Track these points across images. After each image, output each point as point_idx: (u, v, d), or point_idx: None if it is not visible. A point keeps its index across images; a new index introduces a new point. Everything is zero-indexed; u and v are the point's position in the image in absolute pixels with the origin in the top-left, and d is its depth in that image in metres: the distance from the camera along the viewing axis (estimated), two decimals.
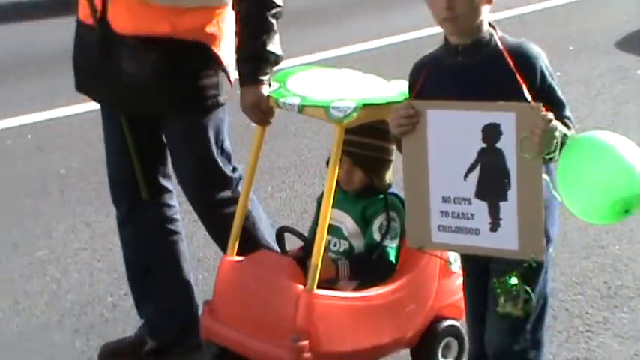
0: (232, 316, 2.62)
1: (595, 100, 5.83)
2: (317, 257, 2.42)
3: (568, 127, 2.03)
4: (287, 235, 2.75)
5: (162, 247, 2.89)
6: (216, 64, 2.69)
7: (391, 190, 2.71)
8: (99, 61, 2.65)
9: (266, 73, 2.59)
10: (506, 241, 2.09)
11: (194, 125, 2.72)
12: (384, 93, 2.57)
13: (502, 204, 2.07)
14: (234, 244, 2.70)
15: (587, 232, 3.89)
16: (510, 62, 2.04)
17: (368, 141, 2.61)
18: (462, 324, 2.79)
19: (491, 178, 2.07)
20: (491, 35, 2.13)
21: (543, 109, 1.96)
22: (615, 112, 5.57)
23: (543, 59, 2.12)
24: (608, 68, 6.53)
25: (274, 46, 2.60)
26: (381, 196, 2.66)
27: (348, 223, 2.66)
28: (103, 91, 2.74)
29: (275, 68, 2.64)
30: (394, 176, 2.71)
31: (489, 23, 2.14)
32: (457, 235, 2.15)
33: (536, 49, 2.13)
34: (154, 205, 2.85)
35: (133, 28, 2.59)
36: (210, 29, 2.65)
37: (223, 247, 2.79)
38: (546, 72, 2.11)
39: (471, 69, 2.13)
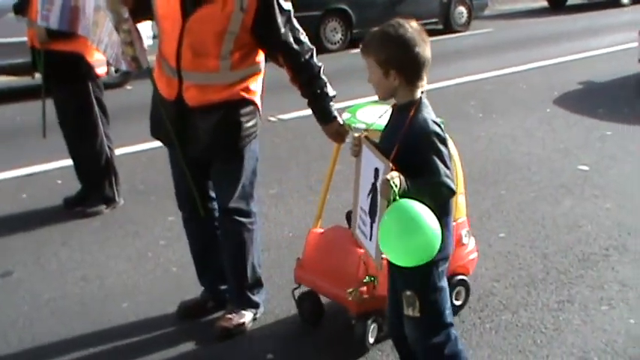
0: (317, 270, 3.60)
1: None
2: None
3: (419, 190, 2.45)
4: None
5: (212, 240, 3.79)
6: (257, 110, 3.55)
7: None
8: (175, 122, 3.48)
9: (333, 111, 3.45)
10: (372, 249, 2.70)
11: (239, 156, 3.51)
12: None
13: (374, 224, 2.66)
14: (318, 220, 3.75)
15: (568, 216, 4.89)
16: (404, 129, 2.56)
17: None
18: (468, 278, 3.73)
19: (374, 204, 2.66)
20: (412, 105, 2.62)
21: (391, 169, 2.47)
22: None
23: (435, 137, 2.54)
24: None
25: (330, 90, 3.47)
26: None
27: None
28: (174, 139, 3.53)
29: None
30: None
31: (422, 95, 2.65)
32: (361, 235, 2.81)
33: (431, 129, 2.55)
34: (205, 212, 3.74)
35: (201, 101, 3.40)
36: (252, 87, 3.49)
37: (233, 258, 3.69)
38: (431, 148, 2.53)
39: (394, 121, 2.72)
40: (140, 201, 5.63)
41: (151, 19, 3.62)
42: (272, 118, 7.22)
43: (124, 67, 3.60)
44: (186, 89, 3.42)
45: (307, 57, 3.45)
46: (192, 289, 4.00)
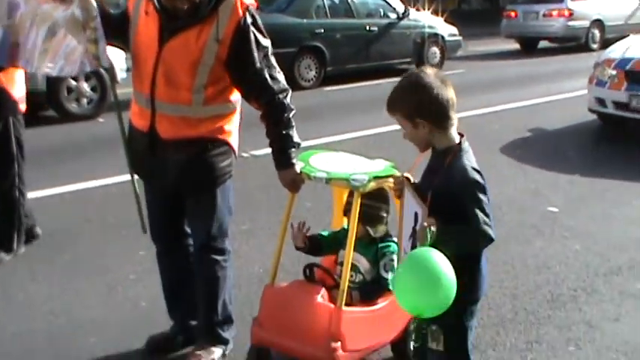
0: (278, 328, 3.42)
1: None
2: (344, 284, 3.25)
3: (452, 237, 2.43)
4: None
5: (185, 275, 3.76)
6: (232, 150, 3.54)
7: (388, 238, 3.51)
8: (147, 155, 3.47)
9: (294, 158, 3.41)
10: None
11: (213, 195, 3.50)
12: (377, 168, 3.39)
13: None
14: (274, 274, 3.54)
15: (538, 257, 4.96)
16: (440, 177, 2.58)
17: (367, 202, 3.37)
18: None
19: (414, 248, 2.55)
20: (450, 151, 2.61)
21: (428, 214, 2.47)
22: None
23: (474, 186, 2.53)
24: None
25: (296, 137, 3.44)
26: (387, 243, 3.47)
27: (363, 262, 3.47)
28: (147, 172, 3.57)
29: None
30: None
31: (460, 140, 2.64)
32: None
33: (470, 178, 2.54)
34: (180, 247, 3.75)
35: (174, 135, 3.37)
36: (227, 128, 3.46)
37: (205, 294, 3.65)
38: (470, 197, 2.50)
39: (432, 165, 2.71)
40: (111, 235, 5.59)
41: (118, 45, 3.61)
42: (244, 154, 7.25)
43: (87, 67, 3.57)
44: (159, 121, 3.40)
45: (281, 97, 3.41)
46: (162, 323, 3.97)
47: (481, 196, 2.54)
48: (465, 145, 2.67)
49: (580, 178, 6.95)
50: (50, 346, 3.95)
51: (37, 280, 4.82)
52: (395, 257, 3.43)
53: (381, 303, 3.46)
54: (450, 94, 2.64)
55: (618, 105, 8.26)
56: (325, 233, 3.70)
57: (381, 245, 3.53)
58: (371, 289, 3.50)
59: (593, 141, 8.59)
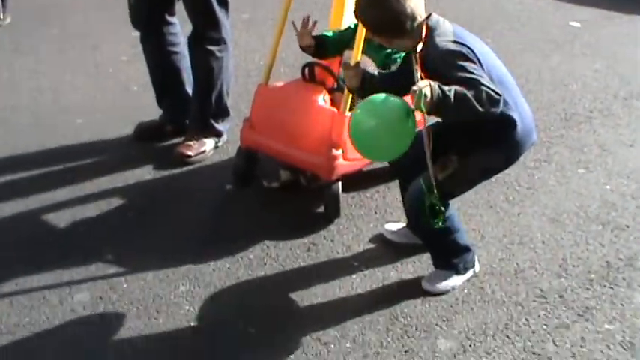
0: (271, 131, 3.11)
1: None
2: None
3: (445, 95, 2.19)
4: None
5: (169, 62, 3.54)
6: None
7: None
8: None
9: None
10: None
11: None
12: None
13: None
14: (267, 73, 3.21)
15: (554, 73, 4.66)
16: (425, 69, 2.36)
17: None
18: None
19: None
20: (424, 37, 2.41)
21: (421, 77, 2.31)
22: None
23: (452, 56, 2.34)
24: None
25: None
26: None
27: (371, 67, 3.03)
28: None
29: None
30: None
31: (427, 26, 2.40)
32: None
33: (445, 50, 2.36)
34: (161, 34, 3.48)
35: None
36: None
37: (199, 84, 3.43)
38: (452, 68, 2.31)
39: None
40: (103, 12, 5.22)
41: None
42: None
43: None
44: None
45: None
46: (153, 110, 3.75)
47: (464, 62, 2.33)
48: (433, 22, 2.43)
49: None
50: (35, 125, 3.76)
51: (22, 54, 4.52)
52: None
53: None
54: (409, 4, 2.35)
55: None
56: (329, 33, 3.32)
57: (392, 50, 3.20)
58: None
59: None
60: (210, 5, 3.33)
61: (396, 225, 3.06)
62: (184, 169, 3.48)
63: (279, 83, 3.24)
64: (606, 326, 2.60)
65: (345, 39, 3.24)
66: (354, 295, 2.74)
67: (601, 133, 3.99)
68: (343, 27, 3.36)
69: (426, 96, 2.17)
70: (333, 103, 3.11)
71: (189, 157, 3.47)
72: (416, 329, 2.57)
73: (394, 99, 2.28)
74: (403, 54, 2.96)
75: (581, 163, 3.68)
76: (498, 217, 3.24)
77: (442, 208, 2.44)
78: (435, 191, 2.42)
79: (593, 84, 4.59)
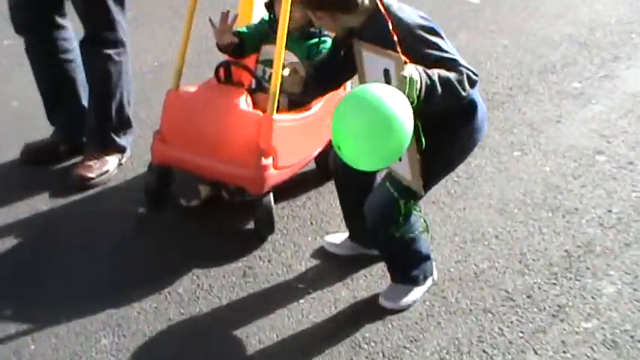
0: (187, 143, 2.70)
1: None
2: (275, 87, 2.56)
3: (431, 80, 1.95)
4: None
5: (61, 71, 3.08)
6: None
7: (326, 32, 2.79)
8: None
9: None
10: (405, 170, 2.18)
11: None
12: None
13: None
14: (177, 77, 2.79)
15: (465, 52, 4.45)
16: (393, 35, 2.02)
17: None
18: None
19: None
20: (377, 13, 2.11)
21: (405, 61, 1.95)
22: None
23: (420, 29, 2.09)
24: None
25: None
26: (323, 38, 2.78)
27: (293, 61, 2.66)
28: None
29: None
30: None
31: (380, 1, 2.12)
32: None
33: (411, 23, 2.10)
34: (50, 39, 3.02)
35: None
36: None
37: (96, 94, 3.02)
38: (422, 39, 2.07)
39: (368, 40, 2.15)
40: None
41: None
42: None
43: None
44: None
45: None
46: (41, 128, 3.26)
47: (437, 39, 2.09)
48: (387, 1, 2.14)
49: None
50: None
51: None
52: None
53: (315, 107, 2.87)
54: None
55: None
56: (244, 29, 2.92)
57: (312, 42, 2.85)
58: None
59: None
60: (105, 2, 2.89)
61: (337, 236, 2.74)
62: (86, 193, 3.02)
63: (191, 88, 2.83)
64: (584, 325, 2.39)
65: (261, 34, 2.88)
66: (305, 323, 2.40)
67: (526, 112, 3.81)
68: (254, 21, 3.00)
69: (416, 82, 1.87)
70: (255, 105, 2.73)
71: (91, 179, 3.01)
72: (383, 356, 2.26)
73: (385, 87, 1.89)
74: (329, 45, 2.64)
75: (515, 145, 3.49)
76: (444, 213, 2.98)
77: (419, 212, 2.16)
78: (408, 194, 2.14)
79: (506, 61, 4.43)
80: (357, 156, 1.87)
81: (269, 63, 2.85)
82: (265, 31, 2.88)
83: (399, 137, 1.84)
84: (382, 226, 2.28)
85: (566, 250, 2.76)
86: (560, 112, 3.81)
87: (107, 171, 3.07)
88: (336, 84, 2.42)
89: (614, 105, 3.89)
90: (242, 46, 2.80)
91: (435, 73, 1.97)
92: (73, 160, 3.18)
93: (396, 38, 2.02)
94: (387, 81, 2.06)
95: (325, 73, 2.29)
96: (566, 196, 3.09)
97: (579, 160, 3.36)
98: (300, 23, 2.77)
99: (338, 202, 2.88)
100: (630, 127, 3.66)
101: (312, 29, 2.84)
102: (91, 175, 3.02)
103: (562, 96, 3.98)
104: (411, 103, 1.87)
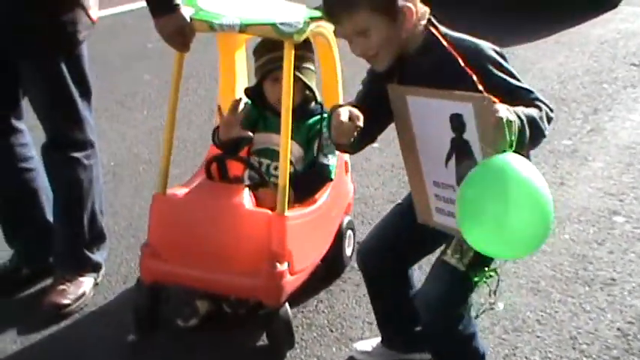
0: (184, 254, 2.33)
1: None
2: (284, 180, 2.26)
3: (521, 121, 1.63)
4: None
5: (20, 183, 2.67)
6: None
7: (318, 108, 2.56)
8: None
9: None
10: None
11: (51, 65, 2.43)
12: (298, 11, 2.40)
13: None
14: (163, 180, 2.42)
15: None
16: (460, 60, 1.75)
17: (301, 53, 2.39)
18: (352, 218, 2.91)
19: (465, 168, 1.68)
20: (432, 36, 1.83)
21: (494, 101, 1.61)
22: None
23: (488, 50, 1.82)
24: None
25: None
26: (318, 117, 2.51)
27: (293, 149, 2.44)
28: None
29: None
30: None
31: (429, 21, 1.85)
32: (452, 219, 1.79)
33: (477, 47, 1.82)
34: (5, 145, 2.60)
35: None
36: None
37: (63, 206, 2.63)
38: (494, 62, 1.80)
39: (422, 76, 1.81)
40: None
41: None
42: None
43: None
44: None
45: None
46: None
47: (508, 65, 1.81)
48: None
49: None
50: None
51: None
52: None
53: (321, 199, 2.53)
54: None
55: None
56: None
57: (312, 121, 2.54)
58: (306, 183, 2.50)
59: None
60: (71, 96, 2.50)
61: (368, 342, 2.38)
62: (62, 324, 2.56)
63: (179, 190, 2.45)
64: None
65: (251, 117, 2.56)
66: None
67: None
68: (236, 96, 2.69)
69: (513, 123, 1.55)
70: (258, 203, 2.37)
71: (66, 305, 2.58)
72: None
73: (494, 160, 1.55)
74: (325, 123, 2.33)
75: None
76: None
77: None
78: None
79: None
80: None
81: (264, 153, 2.54)
82: (256, 116, 2.56)
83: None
84: (446, 316, 1.93)
85: (618, 329, 2.47)
86: (560, 174, 3.59)
87: (83, 294, 2.64)
88: (373, 136, 2.03)
89: (611, 160, 3.71)
90: (238, 139, 2.45)
91: (519, 110, 1.65)
92: (41, 286, 2.74)
93: (470, 71, 1.71)
94: (460, 130, 1.73)
95: (368, 120, 1.83)
96: (597, 266, 2.83)
97: (597, 225, 3.12)
98: (296, 102, 2.44)
99: (354, 301, 2.57)
100: (636, 181, 3.48)
101: (312, 105, 2.54)
102: (65, 301, 2.58)
103: (556, 156, 3.77)
104: (504, 151, 1.54)
